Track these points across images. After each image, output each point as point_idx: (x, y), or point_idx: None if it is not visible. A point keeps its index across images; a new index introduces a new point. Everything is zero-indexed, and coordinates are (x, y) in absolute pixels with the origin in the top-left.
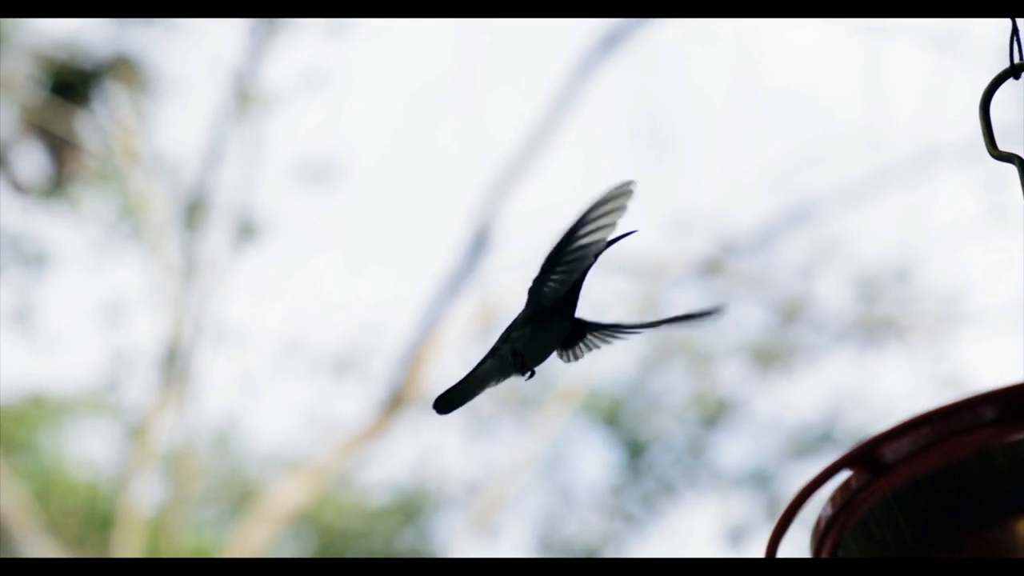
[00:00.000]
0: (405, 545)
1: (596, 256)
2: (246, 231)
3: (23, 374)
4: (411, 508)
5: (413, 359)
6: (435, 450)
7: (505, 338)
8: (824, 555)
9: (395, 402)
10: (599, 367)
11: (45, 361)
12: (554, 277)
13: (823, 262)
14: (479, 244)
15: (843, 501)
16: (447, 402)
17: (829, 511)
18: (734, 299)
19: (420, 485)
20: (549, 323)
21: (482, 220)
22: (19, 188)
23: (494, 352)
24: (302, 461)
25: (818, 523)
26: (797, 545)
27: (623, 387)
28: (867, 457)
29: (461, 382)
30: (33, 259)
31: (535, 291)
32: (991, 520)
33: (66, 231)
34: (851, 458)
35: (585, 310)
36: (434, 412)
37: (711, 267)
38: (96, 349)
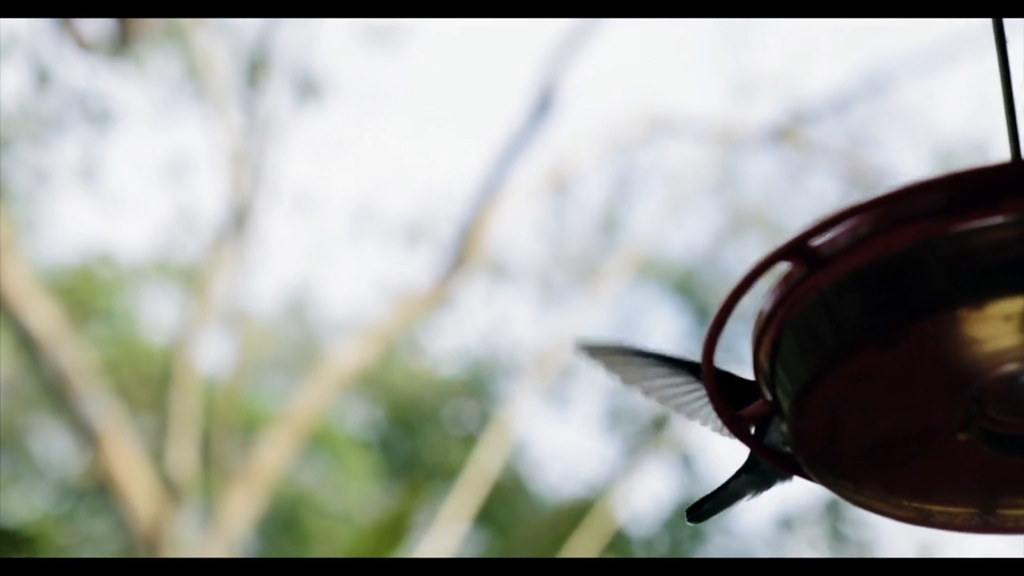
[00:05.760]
0: (473, 412)
1: None
2: (308, 90)
3: (91, 234)
4: (480, 377)
5: (476, 223)
6: (505, 319)
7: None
8: (763, 351)
9: (458, 265)
10: (670, 236)
11: (112, 221)
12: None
13: (898, 132)
14: (543, 107)
15: (782, 294)
16: (701, 514)
17: (769, 306)
18: (806, 168)
19: (490, 354)
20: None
21: (546, 83)
22: (84, 46)
23: (748, 468)
24: (367, 327)
25: (759, 317)
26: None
27: (696, 257)
28: (804, 249)
29: (715, 495)
30: (99, 117)
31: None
32: (926, 314)
33: (131, 90)
34: (788, 249)
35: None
36: (688, 521)
37: (782, 134)
38: (161, 209)
